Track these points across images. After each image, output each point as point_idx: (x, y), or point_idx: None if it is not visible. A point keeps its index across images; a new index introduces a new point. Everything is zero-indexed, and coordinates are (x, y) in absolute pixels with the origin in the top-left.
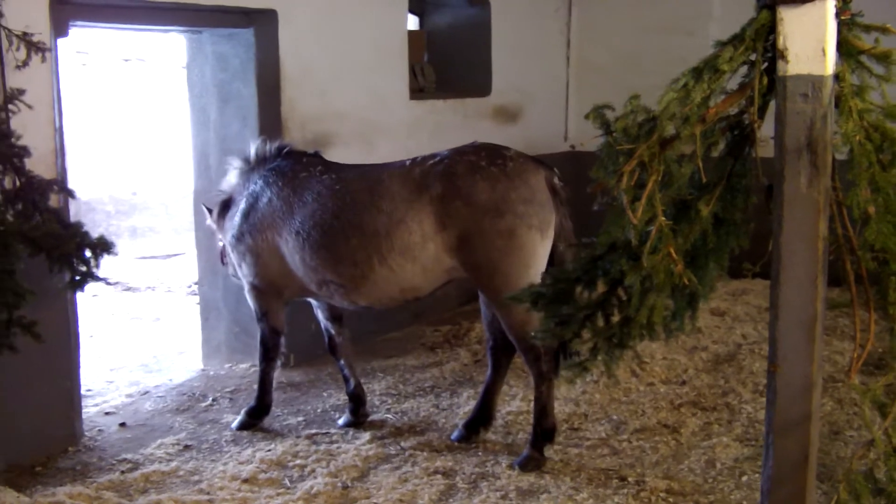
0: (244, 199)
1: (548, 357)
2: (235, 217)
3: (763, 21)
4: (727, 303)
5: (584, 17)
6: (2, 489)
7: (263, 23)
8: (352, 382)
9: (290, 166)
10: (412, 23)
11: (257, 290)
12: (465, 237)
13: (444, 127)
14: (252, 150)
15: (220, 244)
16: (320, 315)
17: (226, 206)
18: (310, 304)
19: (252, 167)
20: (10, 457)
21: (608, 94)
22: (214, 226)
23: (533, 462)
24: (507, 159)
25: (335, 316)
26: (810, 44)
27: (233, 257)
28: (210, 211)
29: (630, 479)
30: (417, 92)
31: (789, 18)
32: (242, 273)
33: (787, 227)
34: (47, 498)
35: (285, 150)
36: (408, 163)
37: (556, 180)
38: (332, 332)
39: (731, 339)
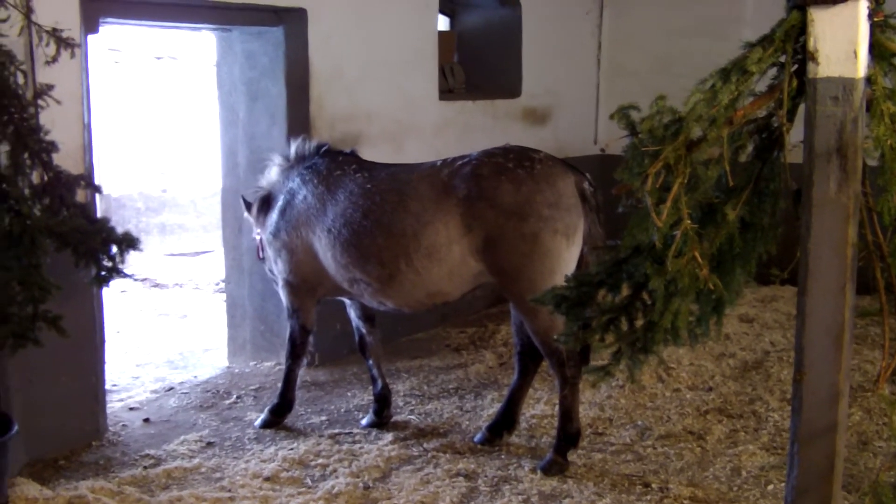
0: (282, 196)
1: (572, 361)
2: (273, 213)
3: (793, 22)
4: (756, 309)
5: (616, 20)
6: (25, 482)
7: (293, 21)
8: (379, 383)
9: (325, 164)
10: (443, 23)
11: (291, 286)
12: (490, 240)
13: (473, 128)
14: (292, 148)
15: (258, 238)
16: (353, 314)
17: (266, 201)
18: (337, 303)
19: (291, 165)
20: (33, 450)
21: (639, 98)
22: (252, 220)
23: (556, 466)
24: (534, 162)
25: (367, 315)
26: (842, 45)
27: (269, 253)
28: (249, 205)
29: (654, 485)
30: (447, 92)
31: (820, 19)
32: (278, 269)
33: (815, 232)
34: (70, 492)
35: (323, 149)
36: (438, 163)
37: (586, 185)
38: (364, 331)
39: (760, 346)
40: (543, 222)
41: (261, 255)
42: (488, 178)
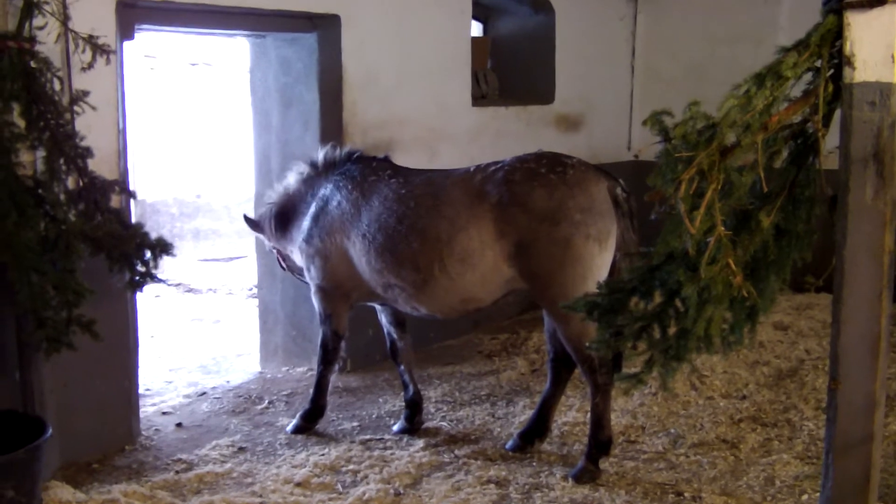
0: (314, 203)
1: (604, 368)
2: (305, 221)
3: (829, 26)
4: (791, 317)
5: (650, 26)
6: (59, 485)
7: (327, 28)
8: (411, 389)
9: (359, 170)
10: (476, 29)
11: (324, 292)
12: (523, 245)
13: (507, 134)
14: (321, 156)
15: (275, 251)
16: (384, 319)
17: (281, 214)
18: (369, 309)
19: (320, 172)
20: (67, 454)
21: (673, 104)
22: (265, 236)
23: (588, 474)
24: (567, 167)
25: (399, 321)
26: (879, 50)
27: (302, 260)
28: (255, 223)
29: (686, 494)
30: (480, 99)
31: (857, 23)
32: (310, 275)
33: (851, 239)
34: (103, 495)
35: (355, 156)
36: (472, 169)
37: (619, 191)
38: (395, 336)
39: (794, 354)
40: (575, 227)
41: (283, 265)
42: (521, 184)
